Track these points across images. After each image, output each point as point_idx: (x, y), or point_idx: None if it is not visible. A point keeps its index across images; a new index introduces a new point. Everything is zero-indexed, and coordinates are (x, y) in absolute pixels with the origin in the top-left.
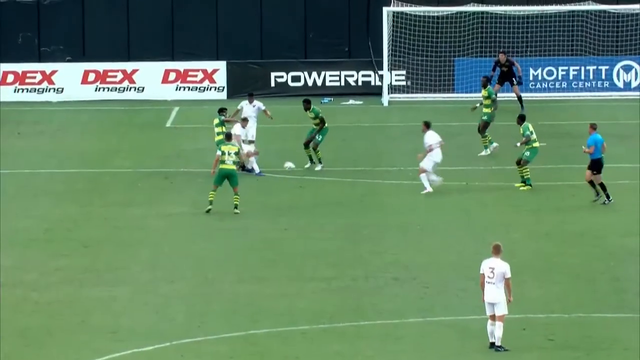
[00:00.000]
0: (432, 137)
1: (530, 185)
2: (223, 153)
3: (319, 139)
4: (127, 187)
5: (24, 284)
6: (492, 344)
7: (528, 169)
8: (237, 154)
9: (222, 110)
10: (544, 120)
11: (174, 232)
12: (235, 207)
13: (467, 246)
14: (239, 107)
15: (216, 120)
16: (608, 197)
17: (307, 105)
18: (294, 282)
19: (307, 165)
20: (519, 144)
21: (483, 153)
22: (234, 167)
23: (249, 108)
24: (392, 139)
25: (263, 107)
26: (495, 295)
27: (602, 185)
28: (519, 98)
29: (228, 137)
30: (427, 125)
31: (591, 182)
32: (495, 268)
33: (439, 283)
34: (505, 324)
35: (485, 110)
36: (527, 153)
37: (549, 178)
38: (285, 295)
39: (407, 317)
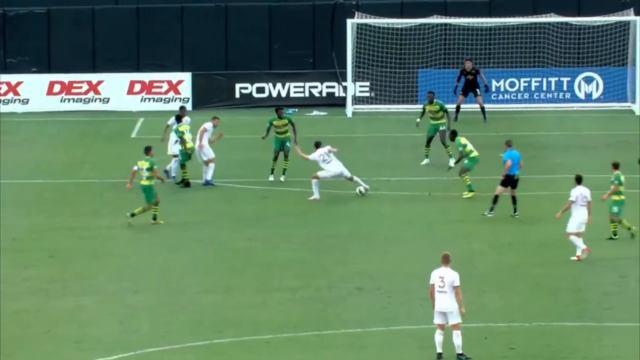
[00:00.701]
0: (314, 155)
1: (473, 191)
2: (140, 169)
3: (289, 146)
4: (94, 198)
5: None
6: (440, 355)
7: (468, 177)
8: (149, 169)
9: (179, 118)
10: (507, 131)
11: (140, 243)
12: (132, 215)
13: (430, 256)
14: (169, 123)
15: (187, 127)
16: (515, 210)
17: (280, 112)
18: (259, 292)
19: (272, 178)
20: (453, 164)
21: (451, 163)
22: (147, 182)
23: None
24: (356, 150)
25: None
26: (447, 304)
27: (514, 199)
28: (482, 109)
29: (146, 150)
30: (317, 146)
31: (496, 197)
32: (445, 277)
33: (402, 293)
34: (467, 332)
35: (440, 122)
36: (466, 161)
37: None
38: (249, 305)
39: (370, 327)
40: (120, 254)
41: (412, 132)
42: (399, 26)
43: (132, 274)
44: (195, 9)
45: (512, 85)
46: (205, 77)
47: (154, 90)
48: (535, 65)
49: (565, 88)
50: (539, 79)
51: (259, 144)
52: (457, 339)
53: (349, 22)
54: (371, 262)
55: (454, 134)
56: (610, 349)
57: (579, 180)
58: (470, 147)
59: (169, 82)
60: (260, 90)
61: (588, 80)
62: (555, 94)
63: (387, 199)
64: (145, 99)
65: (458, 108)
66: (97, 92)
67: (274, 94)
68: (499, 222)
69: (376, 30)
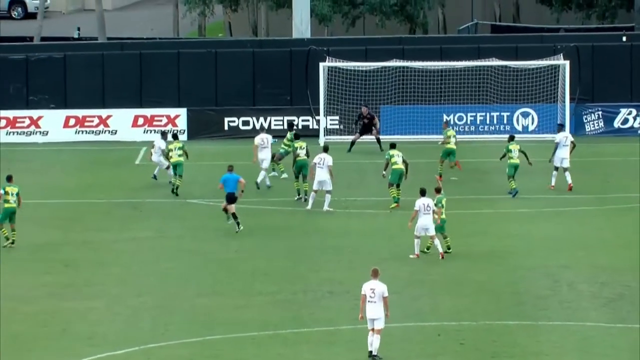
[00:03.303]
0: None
1: (397, 202)
2: (6, 193)
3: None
4: (102, 216)
5: (15, 297)
6: (371, 353)
7: (393, 190)
8: (17, 194)
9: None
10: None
11: (141, 254)
12: (12, 242)
13: (389, 265)
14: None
15: (179, 144)
16: (238, 224)
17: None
18: (244, 295)
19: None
20: (384, 172)
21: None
22: (14, 205)
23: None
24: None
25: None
26: (376, 312)
27: (234, 215)
28: (378, 140)
29: (8, 178)
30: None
31: (225, 210)
32: (375, 289)
33: None
34: (422, 330)
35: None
36: (389, 176)
37: (459, 207)
38: (236, 307)
39: (340, 325)
40: (124, 263)
41: (374, 159)
42: (364, 68)
43: (134, 280)
44: (189, 54)
45: (460, 119)
46: (199, 112)
47: (154, 123)
48: (480, 102)
49: (505, 121)
50: (483, 114)
51: (245, 170)
52: (377, 341)
53: (321, 65)
54: (340, 270)
55: (392, 146)
56: (546, 344)
57: (422, 192)
58: (395, 159)
59: (168, 116)
60: (246, 123)
61: (525, 115)
62: (497, 126)
63: (353, 216)
64: (147, 130)
65: (352, 143)
66: (106, 125)
67: (257, 126)
68: (453, 236)
69: (344, 72)
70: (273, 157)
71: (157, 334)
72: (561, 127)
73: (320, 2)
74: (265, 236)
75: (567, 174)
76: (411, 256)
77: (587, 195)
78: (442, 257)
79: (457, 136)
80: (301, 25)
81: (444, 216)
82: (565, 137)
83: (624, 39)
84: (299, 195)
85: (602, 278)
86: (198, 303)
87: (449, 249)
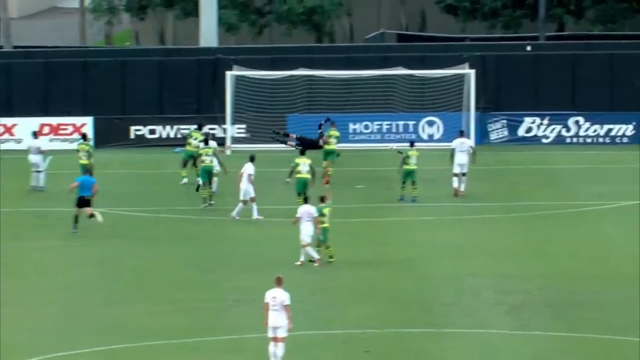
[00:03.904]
0: None
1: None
2: None
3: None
4: (8, 225)
5: None
6: None
7: (300, 200)
8: None
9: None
10: (362, 167)
11: (49, 262)
12: None
13: (296, 272)
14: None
15: (87, 147)
16: (96, 216)
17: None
18: (152, 304)
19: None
20: (289, 179)
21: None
22: None
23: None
24: (232, 182)
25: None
26: (277, 320)
27: (92, 215)
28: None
29: None
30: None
31: (76, 217)
32: (277, 297)
33: None
34: (328, 338)
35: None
36: (295, 185)
37: (365, 215)
38: (144, 315)
39: (247, 333)
40: (32, 272)
41: (281, 168)
42: (271, 77)
43: (42, 289)
44: (96, 63)
45: (366, 127)
46: (105, 121)
47: (60, 132)
48: (386, 110)
49: (411, 130)
50: (389, 122)
51: (151, 178)
52: (280, 350)
53: (228, 74)
54: (248, 278)
55: (302, 153)
56: (450, 350)
57: (305, 200)
58: (301, 167)
59: (74, 125)
60: (152, 132)
61: (430, 123)
62: (403, 135)
63: (261, 224)
64: (53, 139)
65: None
66: (11, 134)
67: (164, 135)
68: (357, 244)
69: (251, 81)
70: (187, 163)
71: (62, 343)
72: (460, 134)
73: (228, 11)
74: (173, 244)
75: (464, 178)
76: (315, 264)
77: (492, 203)
78: (318, 262)
79: (363, 145)
80: (208, 34)
81: (326, 225)
82: (460, 142)
83: (528, 48)
84: (204, 202)
85: (505, 285)
86: (106, 311)
87: (331, 258)
